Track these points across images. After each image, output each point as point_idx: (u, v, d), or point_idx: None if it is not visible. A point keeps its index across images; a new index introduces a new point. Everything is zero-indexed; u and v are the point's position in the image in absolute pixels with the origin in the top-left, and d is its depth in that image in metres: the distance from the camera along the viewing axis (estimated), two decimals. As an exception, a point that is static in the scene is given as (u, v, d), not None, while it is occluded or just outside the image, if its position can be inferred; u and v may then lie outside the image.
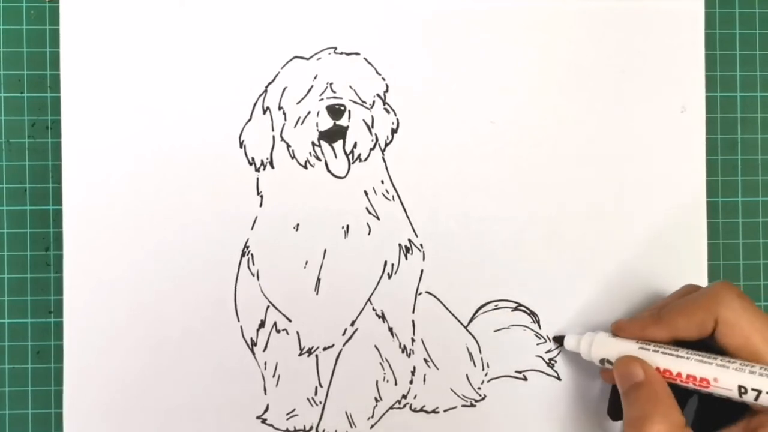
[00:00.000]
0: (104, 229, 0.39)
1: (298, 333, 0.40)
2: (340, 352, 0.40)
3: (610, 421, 0.40)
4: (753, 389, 0.31)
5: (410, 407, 0.40)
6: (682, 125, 0.41)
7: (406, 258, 0.40)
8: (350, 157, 0.40)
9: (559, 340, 0.40)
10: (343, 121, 0.40)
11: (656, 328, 0.35)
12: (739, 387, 0.32)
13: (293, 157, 0.40)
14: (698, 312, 0.34)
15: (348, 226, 0.40)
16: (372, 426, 0.40)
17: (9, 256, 0.41)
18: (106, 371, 0.39)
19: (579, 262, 0.41)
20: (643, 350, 0.35)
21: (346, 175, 0.40)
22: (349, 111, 0.40)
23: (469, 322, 0.40)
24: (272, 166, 0.40)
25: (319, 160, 0.40)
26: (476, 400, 0.40)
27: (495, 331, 0.40)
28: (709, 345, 0.34)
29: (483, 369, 0.40)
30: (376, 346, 0.40)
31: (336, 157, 0.40)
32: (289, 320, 0.40)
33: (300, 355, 0.40)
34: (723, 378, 0.32)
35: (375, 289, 0.40)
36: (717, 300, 0.34)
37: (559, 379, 0.41)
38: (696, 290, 0.37)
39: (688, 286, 0.38)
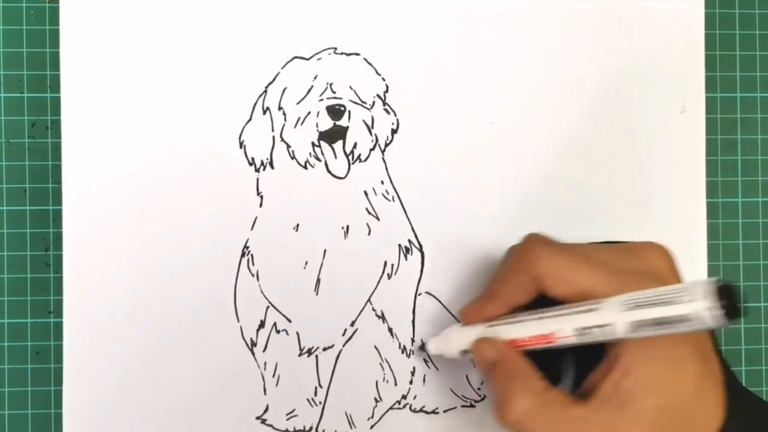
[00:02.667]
0: (104, 229, 0.39)
1: (297, 333, 0.40)
2: (339, 353, 0.40)
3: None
4: (585, 328, 0.30)
5: (410, 408, 0.40)
6: (682, 125, 0.41)
7: (406, 258, 0.40)
8: (350, 157, 0.40)
9: (423, 347, 0.39)
10: (343, 122, 0.40)
11: (492, 305, 0.34)
12: (576, 331, 0.31)
13: (293, 158, 0.40)
14: (517, 276, 0.33)
15: (348, 227, 0.40)
16: (372, 426, 0.40)
17: (9, 256, 0.41)
18: (106, 371, 0.39)
19: (579, 263, 0.41)
20: (491, 328, 0.34)
21: (346, 175, 0.40)
22: (349, 111, 0.40)
23: (469, 322, 0.40)
24: (272, 167, 0.40)
25: (319, 160, 0.40)
26: (476, 401, 0.40)
27: (495, 331, 0.40)
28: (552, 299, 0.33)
29: (483, 369, 0.40)
30: (375, 347, 0.40)
31: (336, 157, 0.40)
32: (289, 320, 0.40)
33: (300, 355, 0.40)
34: (561, 328, 0.31)
35: (375, 289, 0.40)
36: (527, 259, 0.33)
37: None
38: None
39: (511, 247, 0.36)
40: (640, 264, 0.32)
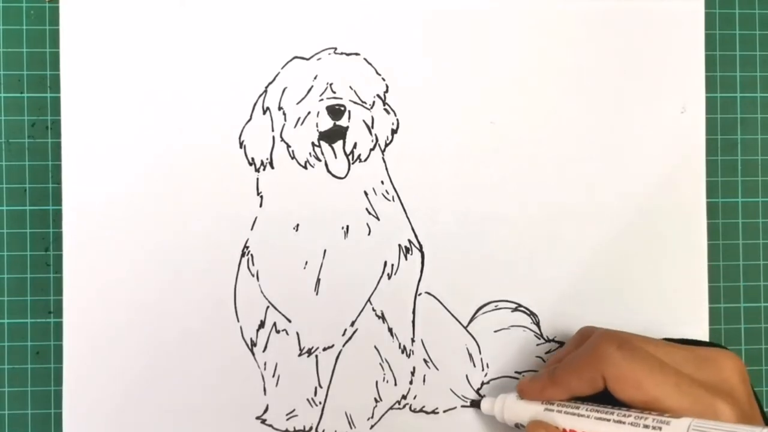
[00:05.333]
0: (104, 229, 0.39)
1: (297, 333, 0.40)
2: (339, 353, 0.40)
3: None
4: None
5: (410, 408, 0.40)
6: (682, 126, 0.41)
7: (406, 258, 0.40)
8: (350, 157, 0.40)
9: (476, 404, 0.39)
10: (343, 122, 0.40)
11: (553, 389, 0.35)
12: None
13: (293, 158, 0.40)
14: (585, 370, 0.33)
15: (348, 227, 0.40)
16: (372, 426, 0.40)
17: (9, 256, 0.41)
18: (106, 371, 0.39)
19: (579, 262, 0.41)
20: (548, 411, 0.35)
21: (346, 175, 0.40)
22: (349, 111, 0.40)
23: (469, 322, 0.40)
24: (272, 167, 0.40)
25: (319, 160, 0.40)
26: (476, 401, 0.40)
27: (495, 331, 0.40)
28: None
29: (483, 369, 0.40)
30: (375, 347, 0.40)
31: (336, 157, 0.40)
32: (289, 320, 0.40)
33: (300, 355, 0.40)
34: None
35: (375, 289, 0.40)
36: (598, 357, 0.33)
37: None
38: (591, 333, 0.36)
39: (584, 329, 0.37)
40: (714, 375, 0.32)
